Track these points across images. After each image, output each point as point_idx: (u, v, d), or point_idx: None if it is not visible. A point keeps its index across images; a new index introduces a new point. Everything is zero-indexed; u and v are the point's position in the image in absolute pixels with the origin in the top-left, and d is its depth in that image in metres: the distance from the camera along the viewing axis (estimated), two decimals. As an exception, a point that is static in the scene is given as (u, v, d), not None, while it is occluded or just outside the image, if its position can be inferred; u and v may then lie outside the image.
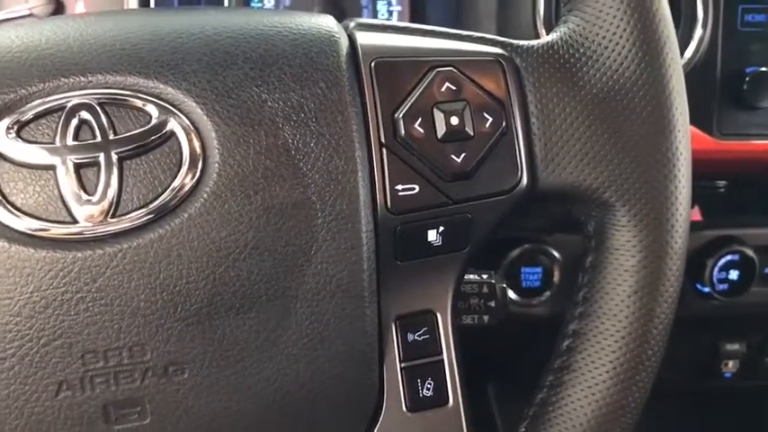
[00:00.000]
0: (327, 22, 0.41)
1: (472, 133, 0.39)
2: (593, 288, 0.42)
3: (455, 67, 0.40)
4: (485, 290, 0.49)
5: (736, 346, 0.90)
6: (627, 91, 0.40)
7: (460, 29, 0.76)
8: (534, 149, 0.41)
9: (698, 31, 0.68)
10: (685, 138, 0.41)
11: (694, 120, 0.70)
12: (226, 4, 0.76)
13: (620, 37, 0.40)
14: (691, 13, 0.68)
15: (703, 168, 0.74)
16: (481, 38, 0.43)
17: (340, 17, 0.65)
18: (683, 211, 0.41)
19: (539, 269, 0.77)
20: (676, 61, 0.41)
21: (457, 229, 0.40)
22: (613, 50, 0.40)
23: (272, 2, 0.78)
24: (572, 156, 0.41)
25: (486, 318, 0.49)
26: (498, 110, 0.40)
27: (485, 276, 0.50)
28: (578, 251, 0.77)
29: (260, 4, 0.77)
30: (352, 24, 0.42)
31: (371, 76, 0.39)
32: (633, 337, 0.41)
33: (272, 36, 0.39)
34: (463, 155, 0.39)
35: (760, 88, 0.70)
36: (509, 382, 0.96)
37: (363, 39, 0.41)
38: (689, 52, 0.68)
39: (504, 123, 0.40)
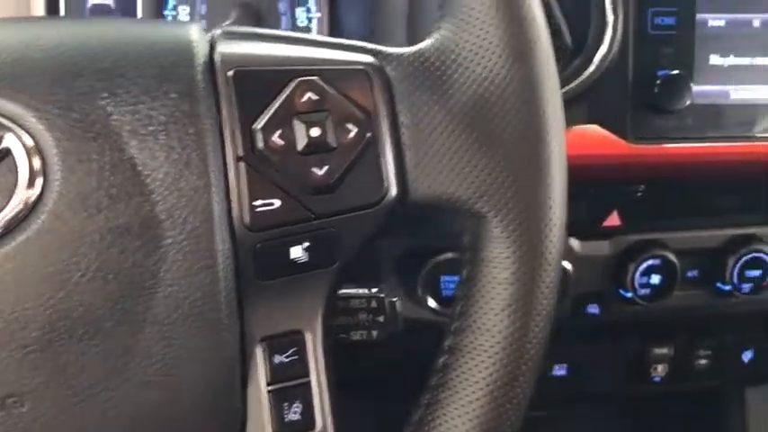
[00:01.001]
0: (187, 32, 0.39)
1: (335, 145, 0.38)
2: (468, 302, 0.40)
3: (319, 77, 0.39)
4: (373, 304, 0.48)
5: (664, 350, 0.90)
6: (497, 98, 0.39)
7: (375, 35, 0.75)
8: (404, 160, 0.39)
9: (608, 35, 0.67)
10: (559, 144, 0.40)
11: (608, 124, 0.70)
12: (139, 12, 0.74)
13: (490, 43, 0.39)
14: (600, 17, 0.67)
15: (619, 173, 0.74)
16: (351, 45, 0.41)
17: (257, 26, 0.64)
18: (558, 220, 0.40)
19: (457, 277, 0.76)
20: (548, 66, 0.40)
21: (323, 245, 0.38)
22: (483, 57, 0.39)
23: (187, 10, 0.76)
24: (443, 166, 0.39)
25: (374, 333, 0.47)
26: (364, 120, 0.39)
27: (373, 290, 0.48)
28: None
29: (173, 12, 0.75)
30: (217, 33, 0.41)
31: (229, 86, 0.37)
32: (507, 353, 0.39)
33: (125, 46, 0.37)
34: (326, 167, 0.38)
35: (672, 91, 0.69)
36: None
37: (224, 48, 0.39)
38: (599, 56, 0.68)
39: (369, 134, 0.39)
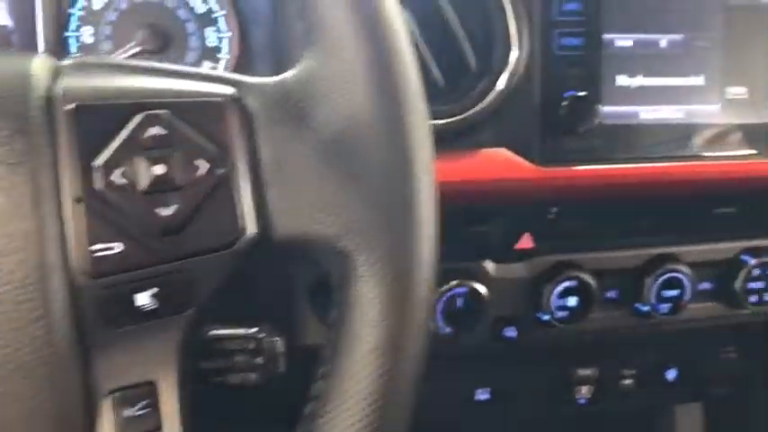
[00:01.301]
0: (26, 64, 0.37)
1: (182, 183, 0.35)
2: (336, 345, 0.38)
3: (169, 110, 0.36)
4: (251, 346, 0.45)
5: (588, 372, 0.89)
6: (361, 133, 0.37)
7: (286, 54, 0.72)
8: (265, 197, 0.37)
9: (513, 57, 0.66)
10: (426, 180, 0.39)
11: (516, 147, 0.69)
12: (40, 33, 0.71)
13: (354, 74, 0.37)
14: (505, 39, 0.66)
15: (529, 196, 0.73)
16: (209, 76, 0.39)
17: (165, 46, 0.61)
18: (427, 257, 0.38)
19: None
20: (414, 100, 0.38)
21: (173, 290, 0.36)
22: (347, 89, 0.37)
23: (91, 31, 0.73)
24: (305, 203, 0.37)
25: (253, 376, 0.45)
26: (217, 156, 0.36)
27: (251, 330, 0.46)
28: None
29: (77, 33, 0.72)
30: (64, 64, 0.38)
31: (69, 121, 0.35)
32: (375, 398, 0.37)
33: None
34: (172, 207, 0.35)
35: (578, 113, 0.68)
36: None
37: (69, 81, 0.36)
38: (504, 78, 0.66)
39: (222, 171, 0.36)
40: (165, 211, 0.35)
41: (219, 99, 0.37)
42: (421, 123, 0.38)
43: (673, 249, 0.82)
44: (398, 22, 0.38)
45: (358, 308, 0.37)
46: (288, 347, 0.47)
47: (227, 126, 0.37)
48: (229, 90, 0.38)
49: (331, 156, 0.37)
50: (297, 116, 0.37)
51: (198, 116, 0.37)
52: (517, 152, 0.68)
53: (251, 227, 0.37)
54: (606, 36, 0.70)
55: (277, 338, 0.46)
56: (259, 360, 0.45)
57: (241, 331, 0.45)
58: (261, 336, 0.46)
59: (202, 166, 0.36)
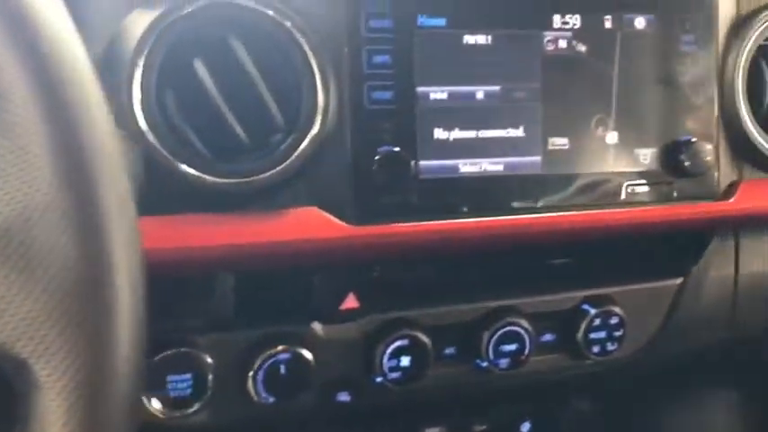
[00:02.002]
0: None
1: None
2: None
3: None
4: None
5: (435, 430, 0.86)
6: (36, 220, 0.33)
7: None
8: None
9: (319, 112, 0.63)
10: (122, 261, 0.34)
11: (328, 206, 0.66)
12: None
13: (28, 153, 0.33)
14: (311, 93, 0.63)
15: (345, 255, 0.70)
16: None
17: None
18: (124, 362, 0.34)
19: (188, 375, 0.69)
20: (105, 177, 0.34)
21: None
22: (23, 169, 0.33)
23: None
24: None
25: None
26: None
27: None
28: (238, 352, 0.71)
29: None
30: None
31: None
32: None
33: None
34: None
35: (392, 168, 0.66)
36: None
37: None
38: (311, 135, 0.63)
39: None
40: None
41: None
42: (112, 207, 0.34)
43: (511, 302, 0.80)
44: (89, 85, 0.34)
45: (37, 425, 0.33)
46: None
47: None
48: None
49: (1, 249, 0.32)
50: None
51: None
52: (329, 210, 0.65)
53: None
54: (420, 89, 0.68)
55: None
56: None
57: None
58: None
59: None
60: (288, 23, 0.62)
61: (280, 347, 0.71)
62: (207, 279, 0.70)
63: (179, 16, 0.59)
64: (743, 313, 0.94)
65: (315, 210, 0.65)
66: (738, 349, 0.97)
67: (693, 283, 0.89)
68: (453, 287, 0.77)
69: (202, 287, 0.71)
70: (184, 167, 0.59)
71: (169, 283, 0.67)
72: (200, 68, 0.60)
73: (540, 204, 0.72)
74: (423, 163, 0.68)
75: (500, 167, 0.70)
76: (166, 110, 0.60)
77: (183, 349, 0.69)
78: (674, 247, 0.87)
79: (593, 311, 0.82)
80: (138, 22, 0.59)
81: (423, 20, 0.67)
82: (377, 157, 0.65)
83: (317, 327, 0.73)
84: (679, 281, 0.88)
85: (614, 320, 0.83)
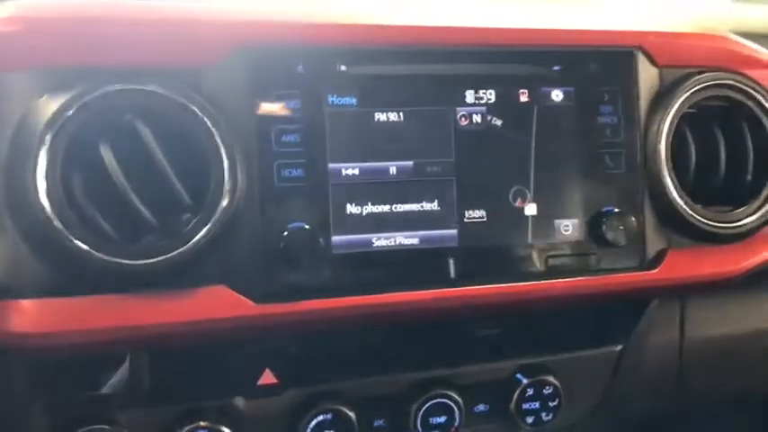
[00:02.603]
0: None
1: None
2: None
3: None
4: None
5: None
6: None
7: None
8: None
9: (226, 191, 0.63)
10: None
11: (236, 284, 0.66)
12: None
13: None
14: (218, 172, 0.63)
15: (252, 334, 0.70)
16: None
17: None
18: None
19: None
20: None
21: None
22: None
23: None
24: None
25: None
26: None
27: None
28: (158, 428, 0.71)
29: None
30: None
31: None
32: None
33: None
34: None
35: (302, 244, 0.66)
36: None
37: None
38: (218, 213, 0.63)
39: None
40: None
41: None
42: None
43: (441, 372, 0.80)
44: None
45: None
46: None
47: None
48: None
49: None
50: None
51: None
52: (238, 289, 0.65)
53: None
54: (332, 165, 0.68)
55: None
56: None
57: None
58: None
59: None
60: (194, 106, 0.63)
61: (201, 423, 0.71)
62: (123, 354, 0.71)
63: (86, 101, 0.61)
64: (690, 381, 0.92)
65: (223, 288, 0.65)
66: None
67: (634, 350, 0.88)
68: (380, 358, 0.77)
69: (120, 362, 0.71)
70: (92, 251, 0.60)
71: (85, 358, 0.68)
72: (106, 153, 0.61)
73: (456, 277, 0.71)
74: (335, 238, 0.68)
75: (415, 241, 0.71)
76: (73, 192, 0.61)
77: (99, 426, 0.69)
78: (611, 315, 0.86)
79: (525, 381, 0.82)
80: (48, 106, 0.61)
81: (333, 99, 0.69)
82: (285, 234, 0.66)
83: (238, 402, 0.73)
84: (618, 348, 0.87)
85: (548, 390, 0.82)
